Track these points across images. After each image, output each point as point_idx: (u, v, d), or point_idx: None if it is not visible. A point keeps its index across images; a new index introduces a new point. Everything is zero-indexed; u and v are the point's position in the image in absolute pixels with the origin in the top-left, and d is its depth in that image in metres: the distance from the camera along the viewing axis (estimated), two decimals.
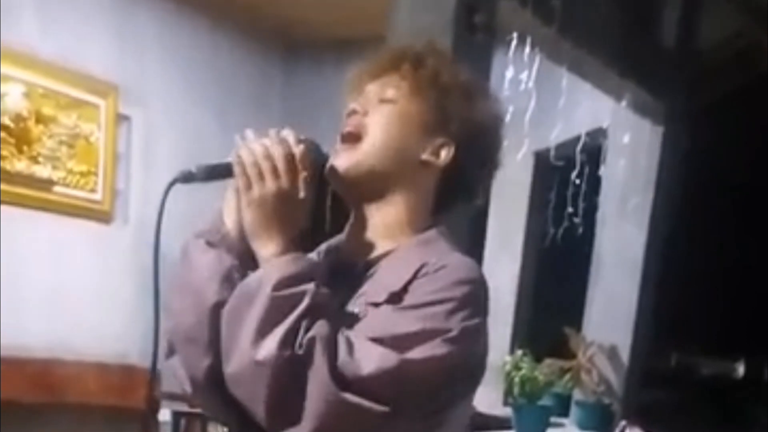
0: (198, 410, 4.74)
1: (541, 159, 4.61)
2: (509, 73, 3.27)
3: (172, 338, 1.37)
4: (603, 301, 4.11)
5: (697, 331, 4.55)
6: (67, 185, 5.03)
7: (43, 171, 4.92)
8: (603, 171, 3.86)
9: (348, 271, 1.40)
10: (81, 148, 5.07)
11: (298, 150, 1.34)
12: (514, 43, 3.17)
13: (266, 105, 6.21)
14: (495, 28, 2.77)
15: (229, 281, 1.32)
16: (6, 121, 4.71)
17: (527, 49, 3.22)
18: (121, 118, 5.28)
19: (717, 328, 4.54)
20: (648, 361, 4.10)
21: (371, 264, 1.39)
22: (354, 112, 1.42)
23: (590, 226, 4.08)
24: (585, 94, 3.85)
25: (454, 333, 1.25)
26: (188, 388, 1.37)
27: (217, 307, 1.30)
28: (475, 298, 1.30)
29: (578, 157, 3.74)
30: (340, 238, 1.48)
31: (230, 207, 1.38)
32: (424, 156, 1.41)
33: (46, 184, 4.93)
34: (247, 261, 1.33)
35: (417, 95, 1.42)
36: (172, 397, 5.01)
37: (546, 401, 3.93)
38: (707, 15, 4.08)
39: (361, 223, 1.43)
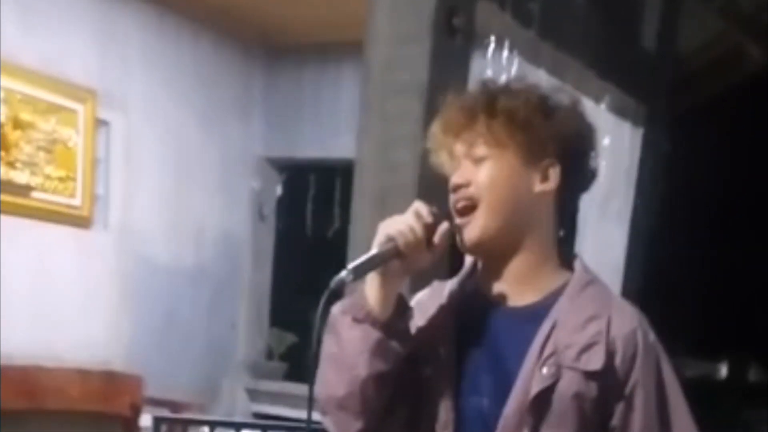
0: (179, 416, 4.72)
1: None
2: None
3: (325, 404, 1.49)
4: None
5: (679, 333, 4.56)
6: (45, 191, 4.99)
7: (21, 177, 4.87)
8: None
9: (498, 314, 1.49)
10: (59, 154, 5.04)
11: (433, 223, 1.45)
12: (492, 46, 3.16)
13: (248, 109, 6.21)
14: (474, 31, 2.77)
15: (378, 354, 1.44)
16: None
17: (506, 53, 3.21)
18: (100, 123, 5.26)
19: (699, 330, 4.55)
20: None
21: (531, 313, 1.47)
22: (459, 186, 1.47)
23: (571, 229, 4.07)
24: None
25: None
26: None
27: (369, 379, 1.44)
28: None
29: None
30: (464, 278, 1.56)
31: (373, 286, 1.45)
32: (538, 188, 1.47)
33: (24, 190, 4.89)
34: (391, 334, 1.45)
35: (505, 144, 1.45)
36: (154, 402, 4.98)
37: None
38: (688, 19, 4.09)
39: (498, 271, 1.50)
